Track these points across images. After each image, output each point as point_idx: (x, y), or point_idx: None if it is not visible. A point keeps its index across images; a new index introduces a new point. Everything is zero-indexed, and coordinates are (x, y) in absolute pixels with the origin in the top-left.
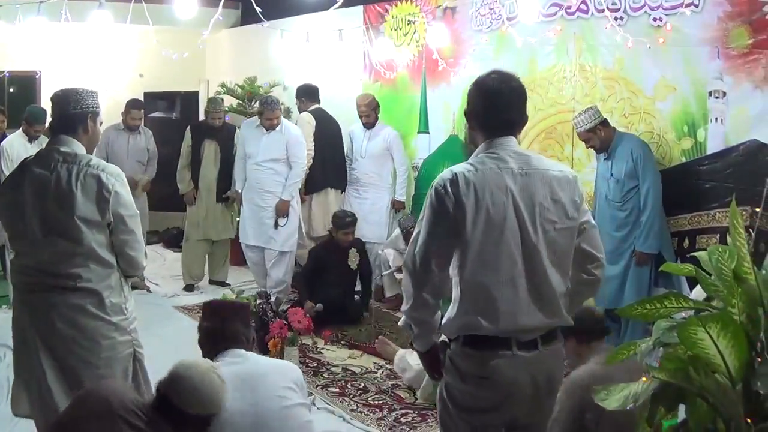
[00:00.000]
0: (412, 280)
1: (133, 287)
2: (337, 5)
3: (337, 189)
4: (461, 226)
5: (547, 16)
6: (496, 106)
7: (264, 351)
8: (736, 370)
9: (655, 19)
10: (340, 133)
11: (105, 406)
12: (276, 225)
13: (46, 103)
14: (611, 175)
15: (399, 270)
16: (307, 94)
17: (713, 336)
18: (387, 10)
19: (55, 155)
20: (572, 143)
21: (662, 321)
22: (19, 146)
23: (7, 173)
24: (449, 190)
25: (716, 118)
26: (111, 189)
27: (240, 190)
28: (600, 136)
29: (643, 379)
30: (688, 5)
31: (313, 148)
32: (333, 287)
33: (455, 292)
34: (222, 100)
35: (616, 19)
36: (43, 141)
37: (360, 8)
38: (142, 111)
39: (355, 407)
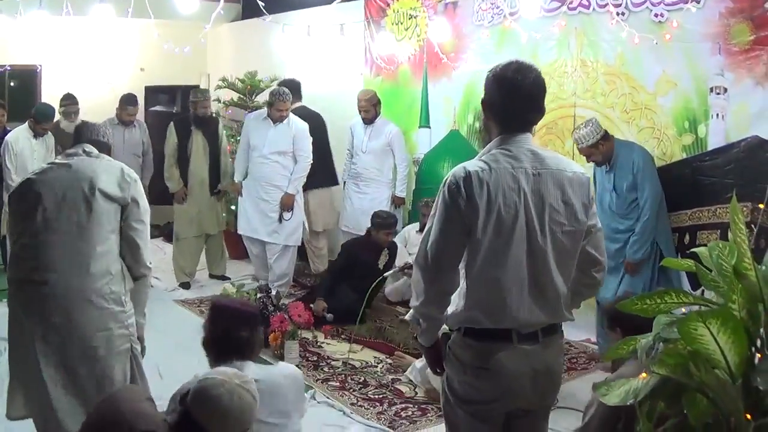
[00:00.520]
0: (423, 276)
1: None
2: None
3: (322, 187)
4: (473, 225)
5: (548, 11)
6: (515, 101)
7: (264, 345)
8: (736, 366)
9: (656, 15)
10: (326, 129)
11: (124, 427)
12: (281, 219)
13: (46, 98)
14: (613, 188)
15: (402, 270)
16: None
17: (713, 332)
18: (388, 5)
19: (80, 150)
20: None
21: (662, 316)
22: (23, 141)
23: (11, 168)
24: (462, 188)
25: (717, 114)
26: (132, 177)
27: (238, 181)
28: (602, 151)
29: (643, 374)
30: (690, 1)
31: None
32: (353, 290)
33: (461, 286)
34: (207, 89)
35: (617, 14)
36: (48, 138)
37: (361, 2)
38: (137, 106)
39: (355, 401)
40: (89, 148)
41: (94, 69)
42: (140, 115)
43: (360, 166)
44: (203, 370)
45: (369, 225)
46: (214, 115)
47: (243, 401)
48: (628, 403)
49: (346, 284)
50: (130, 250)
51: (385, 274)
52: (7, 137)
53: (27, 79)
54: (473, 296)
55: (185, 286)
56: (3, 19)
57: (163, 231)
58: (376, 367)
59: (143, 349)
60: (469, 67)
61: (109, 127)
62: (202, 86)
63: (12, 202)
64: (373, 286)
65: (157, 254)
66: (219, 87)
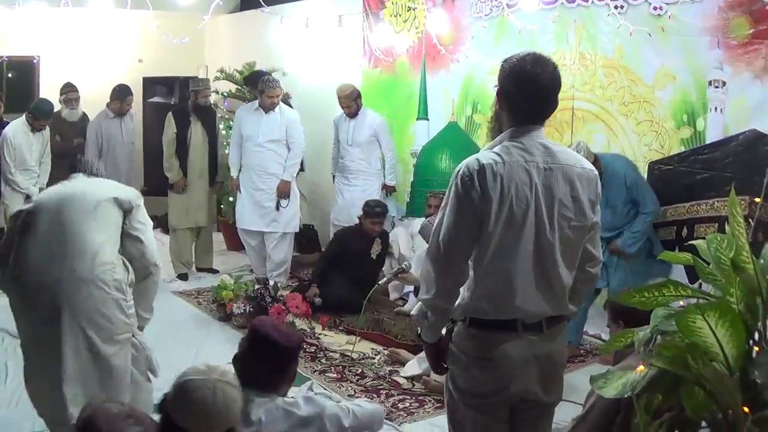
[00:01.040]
0: (434, 268)
1: None
2: None
3: None
4: (485, 217)
5: (547, 3)
6: (531, 94)
7: None
8: (734, 359)
9: (655, 8)
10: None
11: None
12: (278, 207)
13: (45, 89)
14: (606, 204)
15: (396, 275)
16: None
17: (712, 324)
18: None
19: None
20: (571, 131)
21: (660, 309)
22: (21, 135)
23: (10, 162)
24: (476, 180)
25: (716, 108)
26: (131, 189)
27: (235, 176)
28: None
29: (641, 367)
30: None
31: None
32: (345, 279)
33: (469, 277)
34: (207, 79)
35: (615, 7)
36: (45, 131)
37: None
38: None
39: (353, 393)
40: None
41: (93, 60)
42: (138, 107)
43: (348, 159)
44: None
45: (357, 216)
46: (212, 106)
47: (227, 397)
48: (626, 396)
49: (338, 273)
50: (135, 249)
51: (380, 282)
52: (6, 131)
53: (25, 70)
54: (481, 287)
55: (183, 277)
56: (1, 10)
57: (160, 222)
58: (374, 358)
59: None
60: (467, 59)
61: (103, 121)
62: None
63: (13, 225)
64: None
65: None
66: (217, 78)
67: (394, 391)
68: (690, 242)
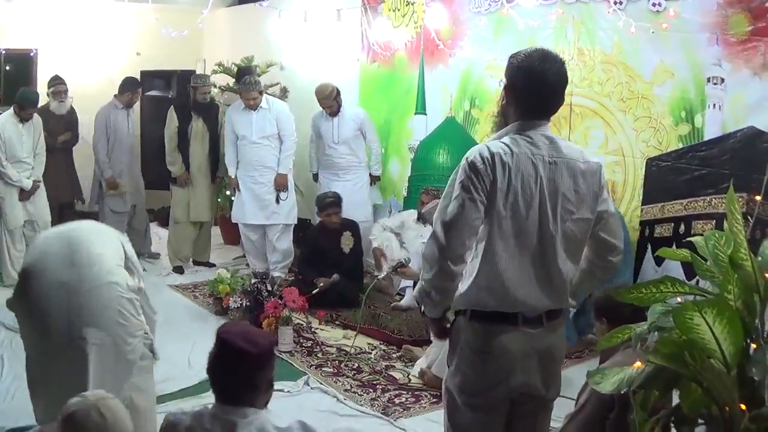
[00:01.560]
0: (438, 248)
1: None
2: None
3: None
4: (491, 204)
5: None
6: (539, 90)
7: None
8: (732, 356)
9: (654, 4)
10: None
11: None
12: (278, 200)
13: (42, 82)
14: None
15: (394, 270)
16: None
17: (709, 321)
18: None
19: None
20: (569, 126)
21: (657, 305)
22: (11, 127)
23: (2, 156)
24: (488, 165)
25: (714, 105)
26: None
27: (233, 176)
28: None
29: (638, 363)
30: None
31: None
32: (328, 271)
33: (471, 266)
34: (208, 75)
35: (615, 3)
36: (35, 123)
37: None
38: None
39: (349, 387)
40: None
41: (90, 53)
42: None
43: (335, 157)
44: (196, 355)
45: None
46: (215, 101)
47: (110, 411)
48: (622, 392)
49: (321, 271)
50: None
51: (379, 277)
52: None
53: (22, 63)
54: (483, 278)
55: (179, 270)
56: None
57: (157, 215)
58: (370, 353)
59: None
60: (465, 54)
61: (112, 111)
62: (198, 71)
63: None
64: (368, 290)
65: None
66: (215, 72)
67: (391, 386)
68: (688, 239)
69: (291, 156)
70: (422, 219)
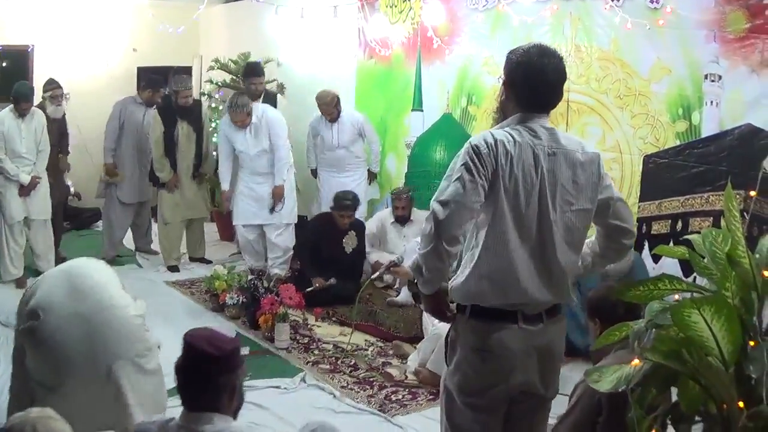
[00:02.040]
0: (434, 226)
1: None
2: None
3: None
4: (492, 189)
5: None
6: (538, 85)
7: (255, 327)
8: (730, 354)
9: (651, 1)
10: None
11: None
12: (272, 210)
13: (38, 78)
14: None
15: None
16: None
17: (708, 319)
18: None
19: None
20: (566, 123)
21: (654, 303)
22: (9, 121)
23: (0, 151)
24: (491, 150)
25: (711, 102)
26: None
27: (226, 189)
28: None
29: (636, 361)
30: None
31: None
32: (326, 268)
33: (469, 255)
34: (189, 77)
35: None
36: (33, 117)
37: None
38: None
39: (346, 384)
40: None
41: (87, 49)
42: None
43: (335, 158)
44: None
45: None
46: (197, 100)
47: (48, 427)
48: (620, 390)
49: (320, 269)
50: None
51: (372, 276)
52: None
53: (19, 59)
54: (482, 267)
55: (174, 269)
56: None
57: (154, 212)
58: (367, 350)
59: None
60: (462, 50)
61: (129, 104)
62: (194, 67)
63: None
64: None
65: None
66: (211, 68)
67: (387, 383)
68: (685, 236)
69: (285, 164)
70: (399, 221)
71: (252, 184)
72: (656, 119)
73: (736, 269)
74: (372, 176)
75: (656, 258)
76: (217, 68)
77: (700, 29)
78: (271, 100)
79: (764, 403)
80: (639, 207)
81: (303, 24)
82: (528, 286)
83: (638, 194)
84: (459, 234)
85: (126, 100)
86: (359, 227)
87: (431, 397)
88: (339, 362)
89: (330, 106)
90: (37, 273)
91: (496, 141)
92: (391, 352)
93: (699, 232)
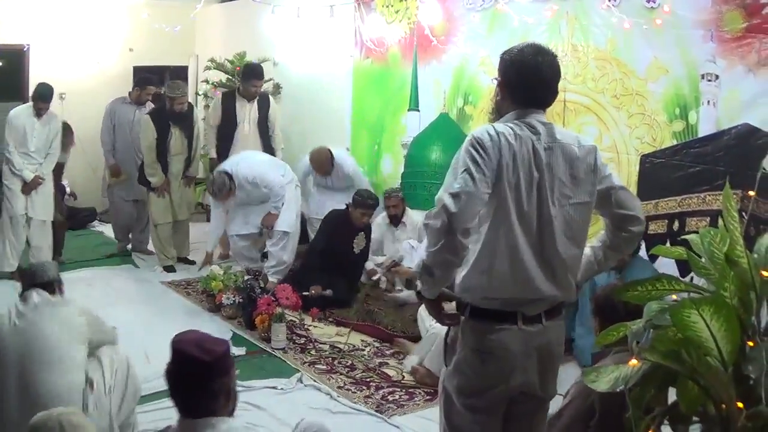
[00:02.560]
0: (447, 219)
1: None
2: None
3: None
4: (496, 182)
5: None
6: (532, 83)
7: (251, 327)
8: (728, 354)
9: (648, 1)
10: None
11: None
12: (261, 233)
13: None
14: None
15: (388, 269)
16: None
17: (707, 319)
18: None
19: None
20: (563, 122)
21: (653, 303)
22: (25, 117)
23: (11, 143)
24: (495, 143)
25: (708, 101)
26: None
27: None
28: None
29: (634, 361)
30: None
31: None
32: (331, 274)
33: (471, 250)
34: (184, 83)
35: None
36: (50, 120)
37: None
38: None
39: (342, 384)
40: (40, 295)
41: (83, 49)
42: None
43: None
44: None
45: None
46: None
47: (72, 423)
48: (618, 390)
49: (322, 269)
50: None
51: (374, 278)
52: (10, 112)
53: (15, 58)
54: (486, 261)
55: (170, 269)
56: None
57: None
58: (364, 350)
59: None
60: (459, 50)
61: (118, 106)
62: (190, 67)
63: None
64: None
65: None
66: (207, 68)
67: (384, 383)
68: (682, 236)
69: (280, 199)
70: (392, 221)
71: (245, 197)
72: (653, 119)
73: (734, 269)
74: None
75: (653, 258)
76: (213, 68)
77: (697, 29)
78: (264, 101)
79: (763, 404)
80: None
81: (299, 23)
82: (534, 276)
83: (635, 194)
84: (471, 226)
85: (115, 102)
86: (368, 230)
87: (428, 397)
88: (336, 363)
89: (326, 164)
90: None
91: (498, 134)
92: (388, 352)
93: (696, 232)
